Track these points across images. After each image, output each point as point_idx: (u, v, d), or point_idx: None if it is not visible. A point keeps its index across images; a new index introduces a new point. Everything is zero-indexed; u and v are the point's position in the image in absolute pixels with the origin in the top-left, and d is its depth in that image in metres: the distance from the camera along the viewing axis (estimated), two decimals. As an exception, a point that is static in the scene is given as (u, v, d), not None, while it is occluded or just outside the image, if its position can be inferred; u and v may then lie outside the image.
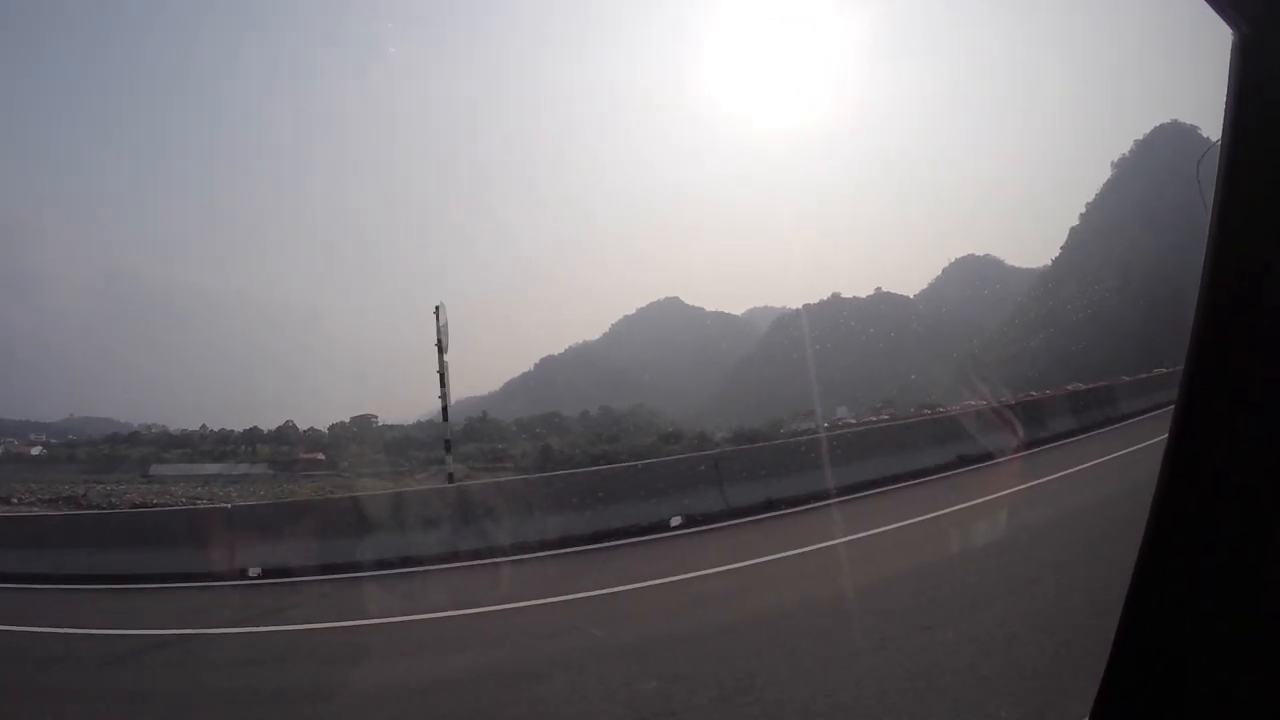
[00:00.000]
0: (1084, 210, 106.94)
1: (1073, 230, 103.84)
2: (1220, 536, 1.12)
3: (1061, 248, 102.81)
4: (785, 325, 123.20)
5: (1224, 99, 0.98)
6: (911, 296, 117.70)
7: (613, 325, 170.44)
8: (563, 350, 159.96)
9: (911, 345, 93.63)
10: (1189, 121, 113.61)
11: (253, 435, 79.64)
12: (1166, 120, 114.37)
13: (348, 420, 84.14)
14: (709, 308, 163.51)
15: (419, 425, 76.67)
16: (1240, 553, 1.10)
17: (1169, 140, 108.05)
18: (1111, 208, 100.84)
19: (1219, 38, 1.03)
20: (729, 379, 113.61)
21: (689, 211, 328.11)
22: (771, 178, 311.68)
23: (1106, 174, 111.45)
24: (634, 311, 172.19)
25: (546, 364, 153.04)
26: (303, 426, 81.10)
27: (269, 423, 79.40)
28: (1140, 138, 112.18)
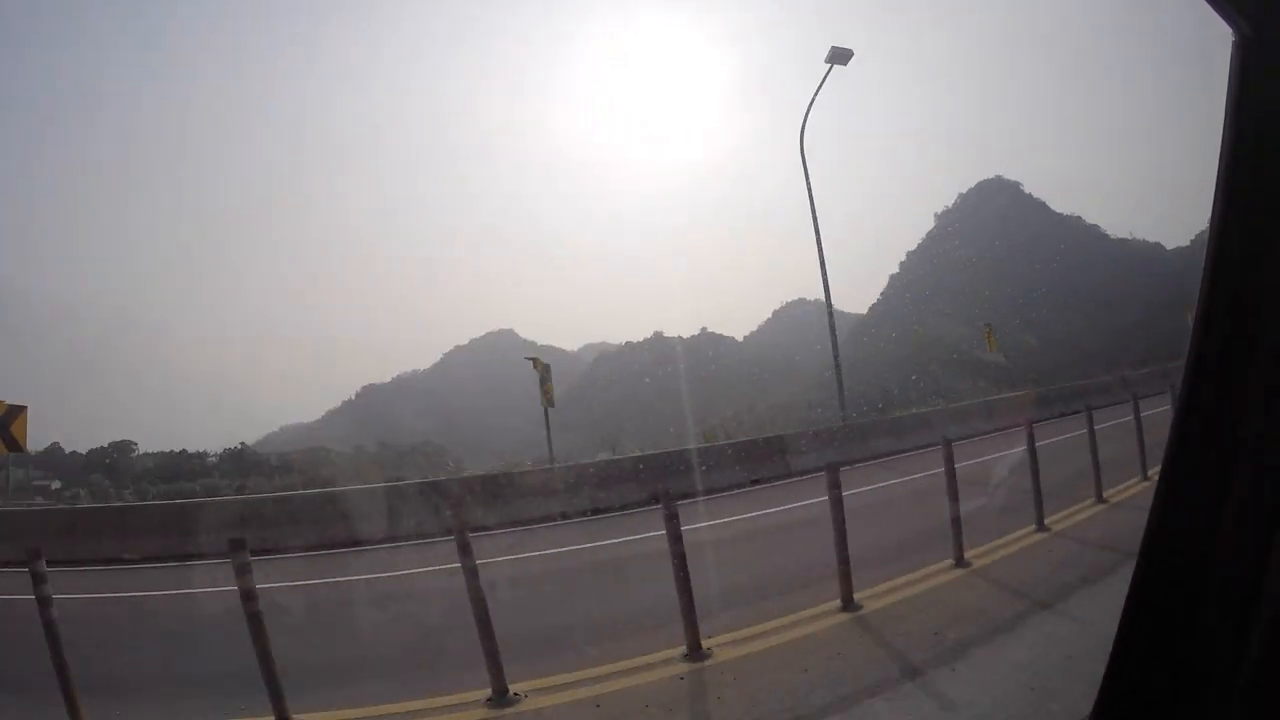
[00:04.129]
0: (904, 258, 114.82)
1: (892, 277, 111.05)
2: (1220, 537, 1.19)
3: (881, 294, 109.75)
4: (607, 362, 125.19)
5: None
6: (740, 339, 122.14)
7: (444, 355, 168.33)
8: (389, 379, 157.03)
9: (733, 386, 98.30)
10: (1012, 178, 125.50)
11: (19, 458, 74.19)
12: (990, 176, 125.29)
13: (106, 445, 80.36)
14: (541, 341, 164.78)
15: (176, 455, 74.03)
16: (1240, 553, 1.17)
17: (991, 193, 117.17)
18: (929, 257, 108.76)
19: (1219, 37, 1.11)
20: (551, 415, 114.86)
21: (531, 242, 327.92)
22: (618, 215, 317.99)
23: (930, 224, 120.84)
24: (466, 342, 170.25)
25: (370, 392, 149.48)
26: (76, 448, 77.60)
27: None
28: (964, 191, 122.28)
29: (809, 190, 21.97)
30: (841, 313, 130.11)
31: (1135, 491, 9.13)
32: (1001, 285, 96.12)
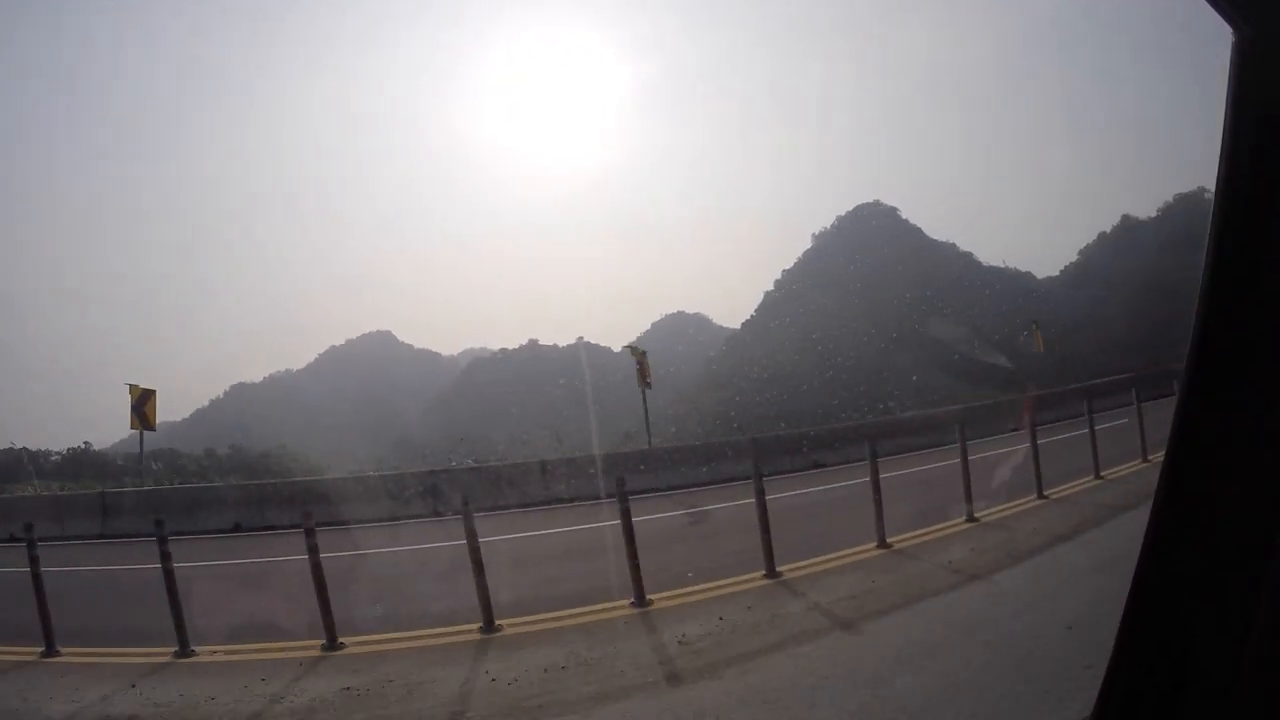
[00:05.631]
0: (779, 276, 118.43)
1: (767, 294, 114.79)
2: (1221, 536, 1.26)
3: (755, 310, 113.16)
4: (481, 368, 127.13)
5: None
6: (617, 349, 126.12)
7: (319, 355, 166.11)
8: (261, 379, 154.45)
9: (605, 396, 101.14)
10: (889, 203, 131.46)
11: None
12: (869, 199, 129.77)
13: (-42, 444, 78.57)
14: (419, 344, 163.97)
15: (16, 452, 72.49)
16: (1241, 552, 1.23)
17: (868, 217, 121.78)
18: (802, 276, 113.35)
19: (1219, 37, 1.16)
20: (419, 421, 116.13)
21: (413, 242, 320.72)
22: (503, 219, 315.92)
23: (807, 244, 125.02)
24: (343, 343, 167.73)
25: (240, 392, 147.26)
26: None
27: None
28: (842, 213, 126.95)
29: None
30: (716, 326, 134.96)
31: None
32: (875, 304, 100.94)
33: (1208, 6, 1.12)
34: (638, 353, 22.54)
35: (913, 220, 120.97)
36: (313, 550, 7.30)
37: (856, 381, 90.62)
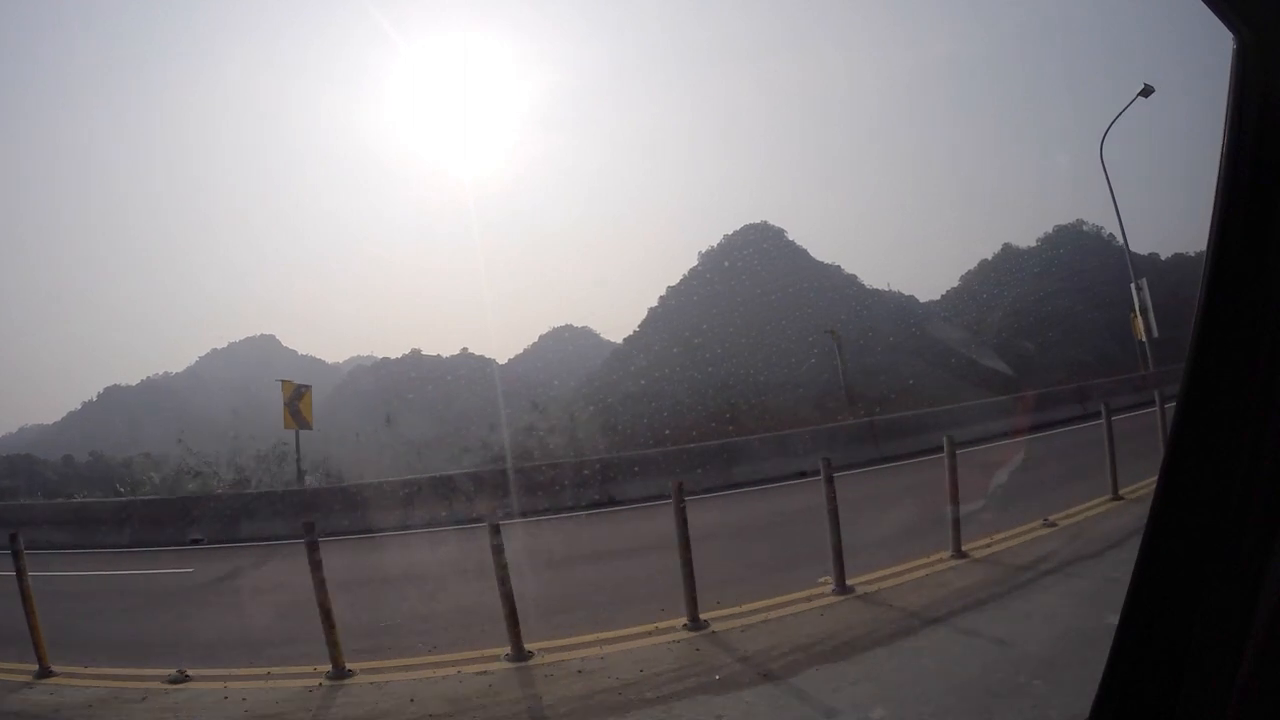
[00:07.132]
0: (664, 293, 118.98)
1: (651, 310, 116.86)
2: (1220, 537, 1.27)
3: (639, 325, 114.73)
4: (362, 376, 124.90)
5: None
6: (503, 361, 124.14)
7: (200, 358, 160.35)
8: (137, 381, 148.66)
9: (488, 409, 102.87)
10: (777, 224, 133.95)
11: None
12: (757, 220, 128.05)
13: None
14: (303, 350, 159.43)
15: None
16: (1240, 553, 1.23)
17: (755, 236, 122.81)
18: (687, 292, 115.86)
19: (1219, 41, 1.19)
20: (311, 431, 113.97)
21: (299, 244, 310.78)
22: (395, 228, 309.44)
23: (694, 262, 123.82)
24: (225, 345, 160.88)
25: (114, 395, 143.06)
26: None
27: None
28: (730, 233, 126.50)
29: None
30: (602, 340, 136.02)
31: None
32: (758, 322, 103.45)
33: (1207, 9, 1.15)
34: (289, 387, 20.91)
35: (799, 242, 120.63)
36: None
37: (736, 398, 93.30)
